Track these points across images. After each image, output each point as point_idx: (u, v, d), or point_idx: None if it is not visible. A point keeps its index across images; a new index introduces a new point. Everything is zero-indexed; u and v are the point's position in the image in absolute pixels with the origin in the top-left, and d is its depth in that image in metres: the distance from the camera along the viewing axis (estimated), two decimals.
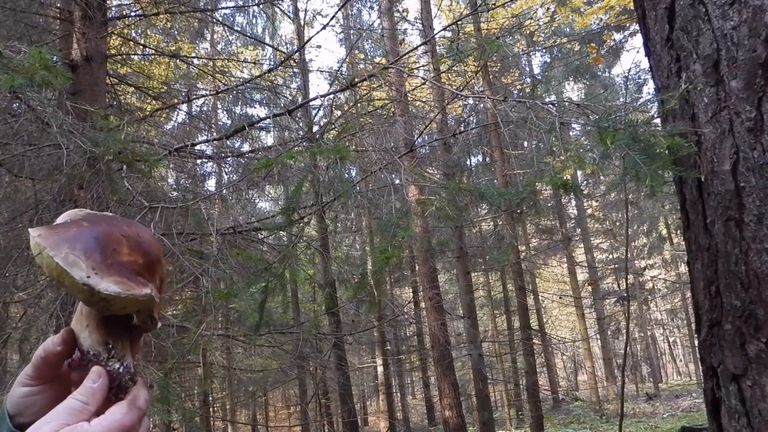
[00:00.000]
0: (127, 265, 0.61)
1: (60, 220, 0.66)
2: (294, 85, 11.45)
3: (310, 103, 5.99)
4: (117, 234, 0.62)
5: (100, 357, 0.60)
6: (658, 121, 1.97)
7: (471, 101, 13.66)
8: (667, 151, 1.74)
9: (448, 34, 8.80)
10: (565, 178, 2.06)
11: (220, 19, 9.06)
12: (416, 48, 9.37)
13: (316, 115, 6.36)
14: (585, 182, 17.31)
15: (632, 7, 2.88)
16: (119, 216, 0.72)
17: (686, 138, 1.66)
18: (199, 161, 5.64)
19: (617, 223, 19.77)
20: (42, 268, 0.60)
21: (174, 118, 8.73)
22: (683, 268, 20.28)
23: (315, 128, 5.51)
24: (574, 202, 19.04)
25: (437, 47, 9.86)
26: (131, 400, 0.58)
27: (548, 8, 12.48)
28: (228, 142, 5.05)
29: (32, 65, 2.03)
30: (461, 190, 2.24)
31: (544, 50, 16.49)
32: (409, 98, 9.95)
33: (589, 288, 17.60)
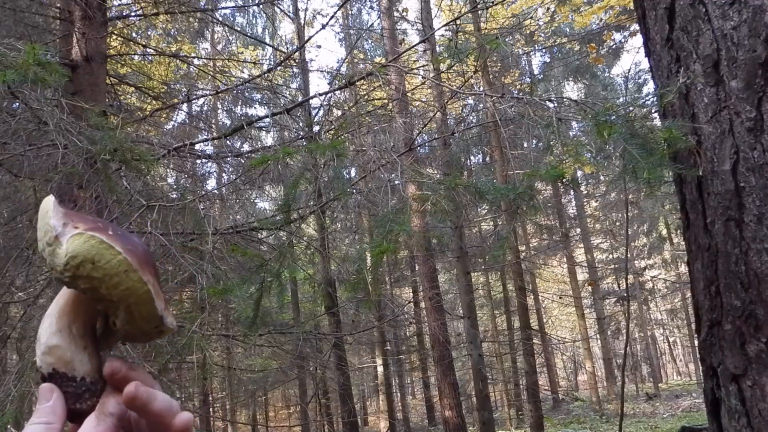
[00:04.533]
0: (163, 290, 0.54)
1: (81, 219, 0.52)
2: (294, 85, 11.48)
3: (310, 103, 5.99)
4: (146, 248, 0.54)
5: (98, 385, 0.52)
6: (658, 121, 1.96)
7: (471, 101, 13.65)
8: (665, 146, 1.73)
9: (448, 33, 8.79)
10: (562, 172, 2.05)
11: (220, 19, 9.06)
12: (415, 46, 9.35)
13: (316, 114, 6.36)
14: (585, 182, 17.30)
15: (632, 7, 2.88)
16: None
17: (684, 134, 1.66)
18: (199, 161, 5.64)
19: (617, 223, 19.75)
20: (111, 287, 0.48)
21: (174, 118, 8.73)
22: (683, 268, 20.27)
23: (315, 128, 5.51)
24: (573, 202, 19.03)
25: (437, 47, 9.85)
26: (99, 408, 0.55)
27: (548, 8, 12.46)
28: (228, 142, 5.05)
29: (25, 61, 2.03)
30: (458, 185, 2.24)
31: (544, 50, 16.47)
32: (408, 98, 9.94)
33: (589, 288, 17.59)
